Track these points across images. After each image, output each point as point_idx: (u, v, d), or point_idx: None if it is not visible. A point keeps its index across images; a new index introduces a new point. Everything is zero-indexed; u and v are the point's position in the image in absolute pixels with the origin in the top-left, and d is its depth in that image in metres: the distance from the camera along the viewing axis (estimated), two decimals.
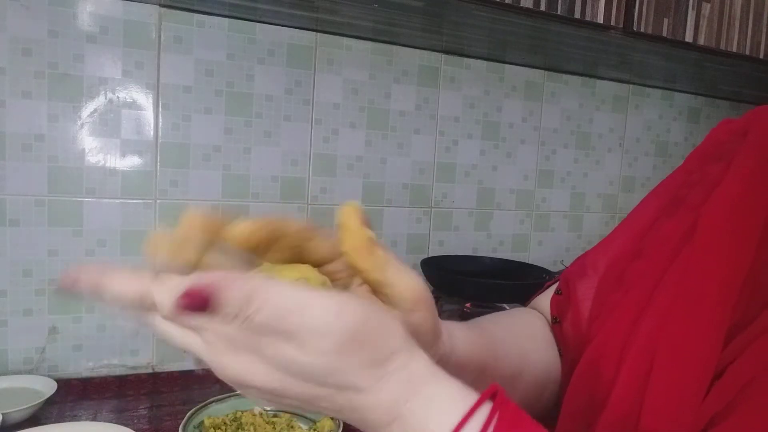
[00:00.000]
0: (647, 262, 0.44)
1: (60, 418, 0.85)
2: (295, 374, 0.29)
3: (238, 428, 0.81)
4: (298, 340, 0.28)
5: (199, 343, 0.30)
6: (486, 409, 0.30)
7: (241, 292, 0.28)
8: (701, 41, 0.99)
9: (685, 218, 0.44)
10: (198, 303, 0.28)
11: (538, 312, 0.56)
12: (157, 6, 0.99)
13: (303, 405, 0.31)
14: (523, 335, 0.52)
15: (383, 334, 0.30)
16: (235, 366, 0.29)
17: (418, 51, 1.20)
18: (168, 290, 0.29)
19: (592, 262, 0.52)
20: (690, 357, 0.35)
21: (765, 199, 0.39)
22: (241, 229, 0.37)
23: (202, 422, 0.81)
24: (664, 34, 0.96)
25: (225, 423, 0.81)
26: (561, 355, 0.52)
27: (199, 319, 0.29)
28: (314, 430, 0.82)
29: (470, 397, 0.30)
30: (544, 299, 0.56)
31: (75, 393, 0.95)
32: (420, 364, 0.31)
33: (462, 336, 0.43)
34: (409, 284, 0.36)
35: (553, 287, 0.56)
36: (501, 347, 0.47)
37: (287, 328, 0.28)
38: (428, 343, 0.37)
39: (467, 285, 1.08)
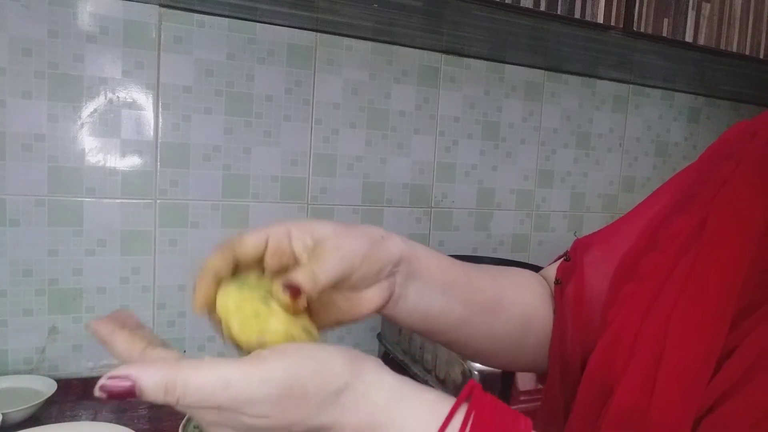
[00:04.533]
0: (660, 255, 0.45)
1: (60, 418, 0.85)
2: None
3: None
4: (240, 412, 0.30)
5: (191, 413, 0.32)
6: (461, 415, 0.31)
7: (160, 380, 0.29)
8: (701, 41, 0.99)
9: (695, 214, 0.45)
10: (118, 392, 0.29)
11: (539, 275, 0.60)
12: (157, 6, 0.99)
13: None
14: (502, 276, 0.55)
15: (321, 377, 0.31)
16: None
17: (418, 51, 1.21)
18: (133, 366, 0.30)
19: (600, 239, 0.55)
20: (696, 342, 0.37)
21: (767, 191, 0.40)
22: (245, 246, 0.39)
23: None
24: (664, 34, 0.96)
25: None
26: (555, 312, 0.55)
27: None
28: None
29: (442, 408, 0.31)
30: (552, 268, 0.59)
31: (75, 393, 0.95)
32: (382, 391, 0.32)
33: (427, 259, 0.47)
34: (329, 272, 0.37)
35: (562, 259, 0.60)
36: (476, 276, 0.51)
37: (223, 405, 0.30)
38: (383, 274, 0.42)
39: None
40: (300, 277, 0.36)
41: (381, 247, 0.42)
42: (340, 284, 0.40)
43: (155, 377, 0.29)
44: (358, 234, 0.41)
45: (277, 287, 0.36)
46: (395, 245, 0.44)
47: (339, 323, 0.42)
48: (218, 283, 0.38)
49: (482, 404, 0.32)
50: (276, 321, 0.36)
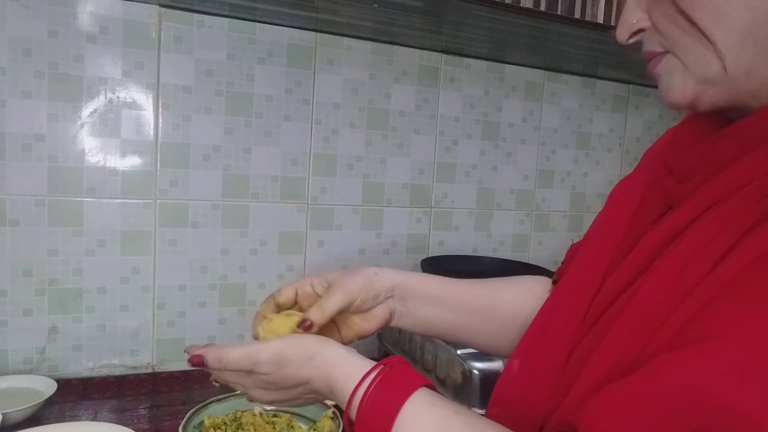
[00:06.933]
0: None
1: (60, 418, 0.86)
2: (276, 388, 0.51)
3: (238, 428, 0.81)
4: (257, 370, 0.50)
5: (238, 386, 0.54)
6: (379, 369, 0.46)
7: (213, 355, 0.51)
8: None
9: None
10: (195, 361, 0.52)
11: (545, 279, 0.70)
12: (157, 6, 0.99)
13: (299, 402, 0.54)
14: (500, 285, 0.67)
15: (299, 347, 0.50)
16: (254, 393, 0.53)
17: (418, 51, 1.21)
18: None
19: (582, 241, 0.65)
20: (576, 294, 0.48)
21: (639, 186, 0.50)
22: (282, 296, 0.62)
23: (202, 422, 0.81)
24: None
25: (225, 423, 0.81)
26: None
27: (222, 373, 0.52)
28: (314, 430, 0.82)
29: (369, 365, 0.47)
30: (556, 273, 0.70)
31: (75, 393, 0.95)
32: (334, 356, 0.49)
33: (417, 282, 0.63)
34: (332, 305, 0.57)
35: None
36: (468, 288, 0.65)
37: (247, 368, 0.50)
38: (381, 298, 0.61)
39: None
40: (312, 313, 0.56)
41: (374, 279, 0.60)
42: (348, 309, 0.59)
43: (212, 354, 0.51)
44: (357, 273, 0.60)
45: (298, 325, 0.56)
46: (387, 277, 0.61)
47: (360, 336, 0.62)
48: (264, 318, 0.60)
49: (393, 365, 0.46)
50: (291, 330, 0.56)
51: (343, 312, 0.59)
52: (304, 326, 0.55)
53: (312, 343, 0.50)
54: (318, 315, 0.56)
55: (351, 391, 0.45)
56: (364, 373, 0.46)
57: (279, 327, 0.56)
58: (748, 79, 0.37)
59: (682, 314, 0.35)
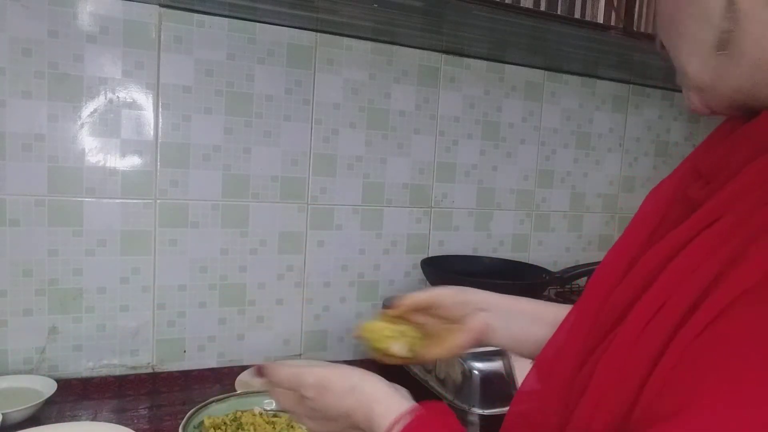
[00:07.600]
0: None
1: (60, 418, 0.86)
2: (321, 417, 0.53)
3: (238, 428, 0.81)
4: (302, 392, 0.53)
5: (295, 415, 0.57)
6: (415, 412, 0.47)
7: (272, 370, 0.56)
8: None
9: None
10: (259, 372, 0.57)
11: None
12: (157, 6, 0.99)
13: None
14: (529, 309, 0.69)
15: (341, 378, 0.52)
16: (306, 423, 0.56)
17: (418, 51, 1.20)
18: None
19: None
20: (587, 307, 0.48)
21: (667, 193, 0.48)
22: (401, 305, 0.65)
23: (202, 422, 0.80)
24: None
25: (225, 423, 0.81)
26: None
27: (280, 394, 0.57)
28: None
29: (407, 405, 0.48)
30: None
31: (75, 393, 0.95)
32: (376, 391, 0.51)
33: (508, 300, 0.66)
34: (417, 296, 0.65)
35: None
36: (542, 302, 0.68)
37: (293, 387, 0.54)
38: (470, 308, 0.64)
39: (467, 285, 1.07)
40: (396, 299, 0.64)
41: (466, 290, 0.66)
42: (430, 311, 0.65)
43: (269, 369, 0.56)
44: (450, 286, 0.67)
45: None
46: (474, 293, 0.66)
47: (459, 347, 0.63)
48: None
49: (431, 408, 0.48)
50: (388, 329, 0.63)
51: (432, 313, 0.65)
52: (386, 306, 0.64)
53: (354, 375, 0.53)
54: (399, 301, 0.63)
55: (385, 429, 0.47)
56: (401, 413, 0.47)
57: (377, 326, 0.63)
58: (725, 84, 0.38)
59: (667, 362, 0.34)
